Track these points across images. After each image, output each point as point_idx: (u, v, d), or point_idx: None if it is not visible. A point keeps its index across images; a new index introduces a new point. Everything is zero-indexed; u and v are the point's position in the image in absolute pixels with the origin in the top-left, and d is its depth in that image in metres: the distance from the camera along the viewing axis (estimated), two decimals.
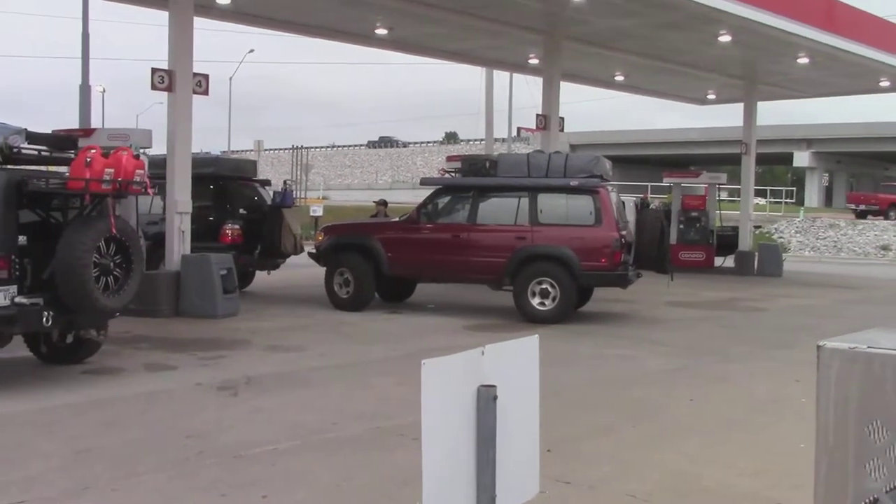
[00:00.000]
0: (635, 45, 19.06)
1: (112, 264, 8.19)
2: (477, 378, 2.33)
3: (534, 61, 20.96)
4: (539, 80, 20.00)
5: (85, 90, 26.46)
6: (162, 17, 13.71)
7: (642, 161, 63.28)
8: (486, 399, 2.33)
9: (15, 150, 7.90)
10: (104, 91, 56.77)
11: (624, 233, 12.83)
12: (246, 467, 5.87)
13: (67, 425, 6.86)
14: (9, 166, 8.18)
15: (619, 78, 23.84)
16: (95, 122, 34.62)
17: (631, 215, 16.63)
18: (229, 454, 6.13)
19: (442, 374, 2.23)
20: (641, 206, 21.50)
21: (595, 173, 12.89)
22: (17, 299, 7.62)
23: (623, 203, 15.25)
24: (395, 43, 20.10)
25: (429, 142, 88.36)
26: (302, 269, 16.65)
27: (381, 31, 18.21)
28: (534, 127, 20.85)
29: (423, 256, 13.29)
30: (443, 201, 13.69)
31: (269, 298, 15.09)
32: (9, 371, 8.65)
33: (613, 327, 12.81)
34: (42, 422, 6.94)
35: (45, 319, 7.78)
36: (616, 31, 17.84)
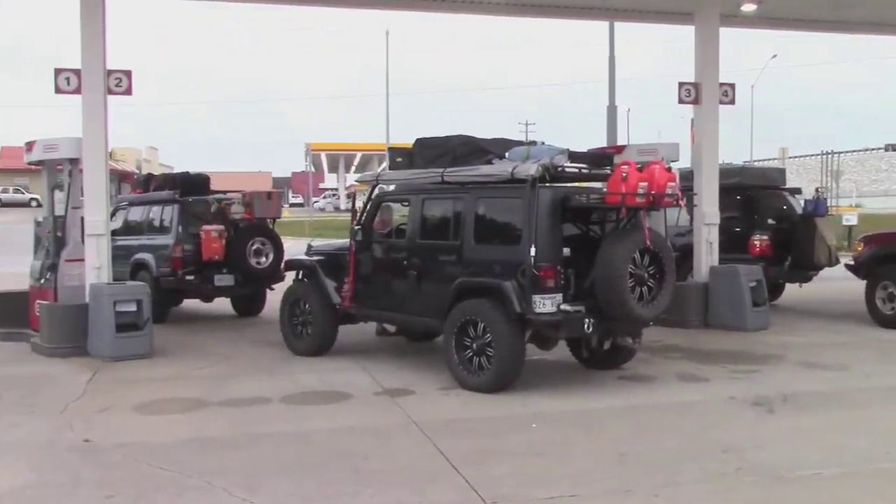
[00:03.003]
0: None
1: (646, 275, 8.43)
2: None
3: None
4: None
5: (612, 110, 27.84)
6: (678, 32, 13.87)
7: None
8: None
9: (559, 168, 8.54)
10: (629, 111, 59.43)
11: None
12: (788, 490, 5.59)
13: (607, 428, 7.20)
14: (554, 184, 8.89)
15: None
16: (621, 140, 36.22)
17: None
18: (769, 474, 5.89)
19: None
20: None
21: None
22: (563, 306, 8.22)
23: None
24: None
25: None
26: (837, 283, 15.51)
27: None
28: None
29: None
30: None
31: (801, 312, 14.30)
32: (554, 372, 9.37)
33: None
34: (584, 422, 7.38)
35: (586, 326, 8.29)
36: None
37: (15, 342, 11.35)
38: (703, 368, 9.58)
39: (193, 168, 16.44)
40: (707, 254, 12.90)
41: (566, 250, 8.41)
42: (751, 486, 5.67)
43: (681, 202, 8.79)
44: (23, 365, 10.05)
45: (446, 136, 9.66)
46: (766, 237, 14.05)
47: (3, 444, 6.77)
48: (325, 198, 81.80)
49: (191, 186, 14.28)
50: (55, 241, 11.37)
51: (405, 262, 9.48)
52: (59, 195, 11.56)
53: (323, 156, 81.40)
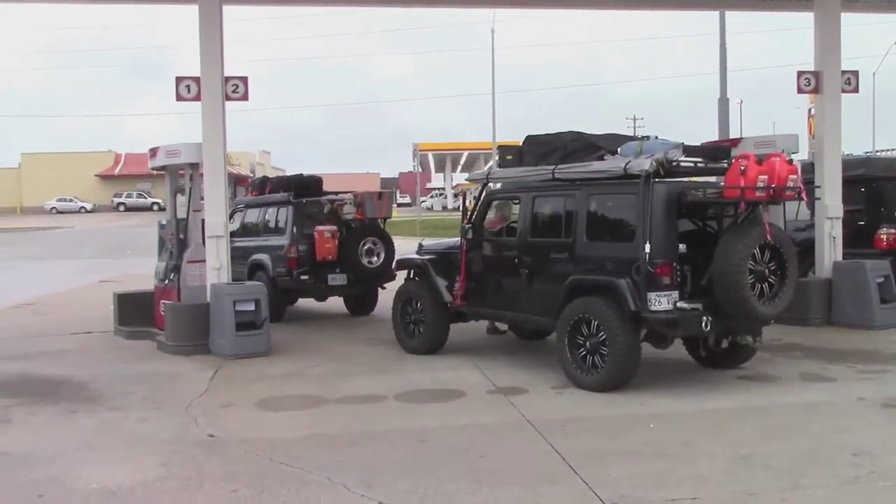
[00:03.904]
0: None
1: (767, 271, 8.16)
2: None
3: None
4: None
5: (723, 103, 27.04)
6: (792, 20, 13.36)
7: None
8: None
9: (674, 163, 8.34)
10: (741, 103, 57.71)
11: None
12: None
13: (728, 429, 6.98)
14: (668, 179, 8.70)
15: None
16: (733, 133, 35.21)
17: None
18: None
19: None
20: None
21: None
22: (679, 304, 8.02)
23: None
24: None
25: None
26: None
27: None
28: None
29: None
30: None
31: None
32: (670, 371, 9.17)
33: None
34: (704, 423, 7.18)
35: (703, 324, 8.07)
36: None
37: (141, 340, 11.84)
38: (829, 368, 9.20)
39: (305, 170, 16.82)
40: (830, 249, 12.41)
41: (682, 246, 8.21)
42: (885, 492, 5.41)
43: (804, 195, 8.45)
44: (149, 362, 10.47)
45: (556, 133, 9.57)
46: (893, 230, 13.39)
47: (134, 439, 7.07)
48: (432, 197, 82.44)
49: (304, 188, 14.60)
50: (178, 243, 11.82)
51: (516, 261, 9.45)
52: (181, 199, 12.01)
53: (430, 156, 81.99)
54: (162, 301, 11.82)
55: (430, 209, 72.50)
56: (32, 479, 6.03)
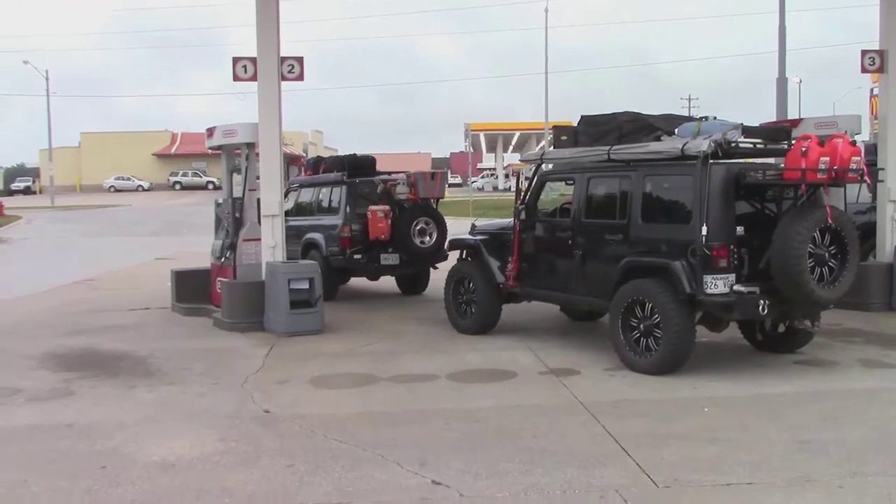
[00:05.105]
0: None
1: (827, 255, 8.01)
2: None
3: None
4: None
5: (781, 83, 26.51)
6: None
7: None
8: None
9: (733, 144, 8.20)
10: (801, 82, 56.46)
11: None
12: None
13: (785, 414, 6.89)
14: (726, 161, 8.55)
15: None
16: (792, 114, 34.49)
17: None
18: None
19: None
20: None
21: None
22: (735, 287, 7.92)
23: None
24: None
25: None
26: None
27: None
28: None
29: None
30: None
31: None
32: (724, 355, 9.07)
33: None
34: (760, 408, 7.09)
35: (760, 308, 7.95)
36: None
37: (198, 317, 12.05)
38: (890, 354, 9.02)
39: (357, 150, 16.87)
40: (892, 232, 12.13)
41: (740, 229, 8.09)
42: None
43: (866, 178, 8.25)
44: (206, 339, 10.66)
45: (612, 113, 9.46)
46: None
47: (192, 413, 7.22)
48: (482, 177, 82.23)
49: (357, 168, 14.65)
50: (234, 221, 11.98)
51: (570, 242, 9.40)
52: (237, 178, 12.16)
53: (482, 136, 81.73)
54: (218, 278, 12.01)
55: (481, 189, 72.27)
56: (95, 451, 6.19)
